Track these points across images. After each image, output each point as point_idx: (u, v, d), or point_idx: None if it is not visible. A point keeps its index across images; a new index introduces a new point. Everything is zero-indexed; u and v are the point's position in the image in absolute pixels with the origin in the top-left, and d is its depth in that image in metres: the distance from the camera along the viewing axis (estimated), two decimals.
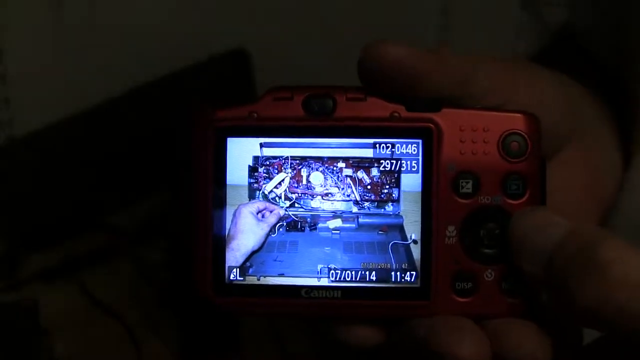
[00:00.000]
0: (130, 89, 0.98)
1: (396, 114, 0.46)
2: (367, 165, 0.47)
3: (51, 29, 0.97)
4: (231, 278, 0.47)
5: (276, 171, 0.47)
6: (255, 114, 0.46)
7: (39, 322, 0.84)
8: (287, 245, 0.47)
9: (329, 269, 0.47)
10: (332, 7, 1.05)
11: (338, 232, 0.47)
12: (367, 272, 0.47)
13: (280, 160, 0.47)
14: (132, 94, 0.98)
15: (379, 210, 0.47)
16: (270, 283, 0.47)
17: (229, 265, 0.47)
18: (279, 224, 0.47)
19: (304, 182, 0.47)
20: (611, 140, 0.57)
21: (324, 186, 0.47)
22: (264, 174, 0.47)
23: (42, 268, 0.93)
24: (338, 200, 0.47)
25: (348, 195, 0.47)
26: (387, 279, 0.47)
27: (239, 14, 1.02)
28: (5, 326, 0.83)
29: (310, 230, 0.47)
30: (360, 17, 1.03)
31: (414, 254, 0.47)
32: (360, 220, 0.47)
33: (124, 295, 0.91)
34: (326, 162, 0.47)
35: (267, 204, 0.47)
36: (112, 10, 0.99)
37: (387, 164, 0.47)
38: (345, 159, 0.47)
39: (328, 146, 0.47)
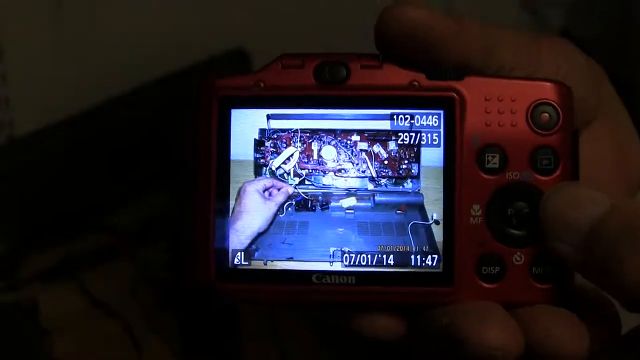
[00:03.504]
0: (130, 89, 0.96)
1: (415, 83, 0.42)
2: (383, 138, 0.42)
3: (51, 29, 0.96)
4: (235, 262, 0.42)
5: (284, 145, 0.43)
6: (262, 83, 0.43)
7: (39, 322, 0.83)
8: (297, 226, 0.43)
9: (343, 253, 0.42)
10: (332, 7, 1.04)
11: (352, 211, 0.42)
12: (384, 256, 0.42)
13: (289, 133, 0.43)
14: (132, 94, 0.96)
15: (397, 187, 0.42)
16: (278, 268, 0.42)
17: (232, 248, 0.42)
18: (287, 203, 0.43)
19: (315, 157, 0.43)
20: (631, 118, 0.53)
21: (337, 161, 0.43)
22: (271, 149, 0.43)
23: (42, 268, 0.91)
24: (352, 177, 0.43)
25: (363, 172, 0.43)
26: (407, 263, 0.42)
27: (239, 14, 1.01)
28: (5, 326, 0.82)
29: (322, 209, 0.42)
30: (361, 18, 0.99)
31: (435, 235, 0.42)
32: (377, 198, 0.42)
33: (124, 295, 0.89)
34: (339, 135, 0.42)
35: (275, 181, 0.43)
36: (112, 10, 0.98)
37: (406, 136, 0.42)
38: (360, 132, 0.42)
39: (341, 118, 0.42)
